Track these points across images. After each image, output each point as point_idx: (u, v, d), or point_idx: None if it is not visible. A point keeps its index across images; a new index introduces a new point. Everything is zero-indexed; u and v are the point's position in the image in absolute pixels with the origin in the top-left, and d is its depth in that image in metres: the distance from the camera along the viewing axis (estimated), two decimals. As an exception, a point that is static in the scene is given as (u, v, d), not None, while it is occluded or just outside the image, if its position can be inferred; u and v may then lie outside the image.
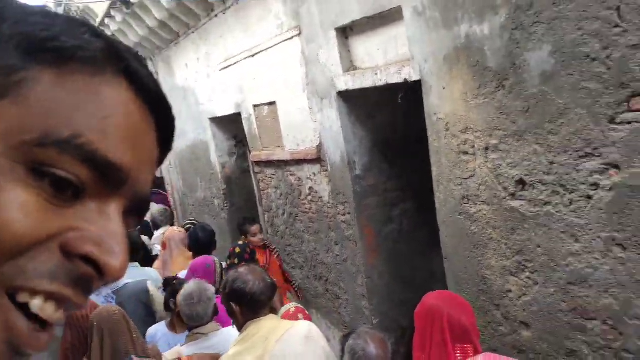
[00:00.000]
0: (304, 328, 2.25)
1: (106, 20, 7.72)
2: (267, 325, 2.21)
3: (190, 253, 4.13)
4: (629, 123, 1.93)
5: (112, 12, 7.30)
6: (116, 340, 2.76)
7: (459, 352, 1.95)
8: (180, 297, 2.74)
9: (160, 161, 0.49)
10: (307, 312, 3.10)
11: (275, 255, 4.82)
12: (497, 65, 2.42)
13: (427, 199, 3.48)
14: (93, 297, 3.37)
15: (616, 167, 2.00)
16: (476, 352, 1.97)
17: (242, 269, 2.31)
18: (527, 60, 2.26)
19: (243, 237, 4.61)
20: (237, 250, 3.94)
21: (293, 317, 2.80)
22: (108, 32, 8.00)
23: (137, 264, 4.06)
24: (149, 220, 6.20)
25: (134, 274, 3.56)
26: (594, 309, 2.18)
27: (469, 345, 1.97)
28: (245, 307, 2.25)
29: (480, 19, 2.45)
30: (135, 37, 7.49)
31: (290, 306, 3.12)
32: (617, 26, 1.90)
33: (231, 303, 2.25)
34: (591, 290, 2.18)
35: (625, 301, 2.05)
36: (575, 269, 2.23)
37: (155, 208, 6.09)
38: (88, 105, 0.40)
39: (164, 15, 6.18)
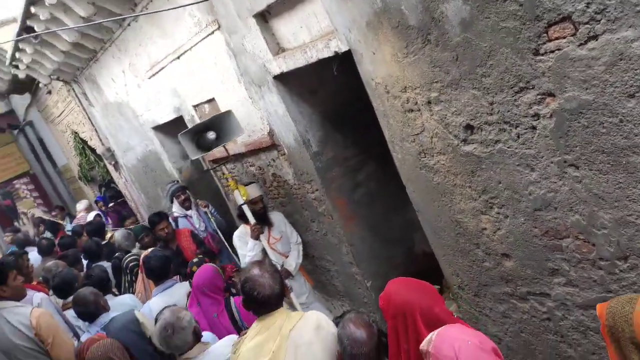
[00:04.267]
0: (314, 319, 2.38)
1: (17, 55, 7.39)
2: (279, 317, 2.35)
3: None
4: (552, 52, 2.01)
5: (21, 45, 6.98)
6: None
7: None
8: (155, 329, 2.69)
9: None
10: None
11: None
12: (417, 22, 2.45)
13: (387, 157, 3.56)
14: (84, 336, 3.40)
15: (551, 95, 2.09)
16: None
17: (255, 270, 2.34)
18: (444, 11, 2.30)
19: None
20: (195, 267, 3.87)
21: None
22: (22, 66, 7.68)
23: (110, 295, 4.07)
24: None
25: (112, 306, 3.58)
26: (564, 228, 2.32)
27: None
28: (255, 309, 2.39)
29: (390, -20, 2.47)
30: (51, 64, 7.20)
31: None
32: (519, -37, 1.95)
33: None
34: (557, 212, 2.31)
35: (590, 215, 2.18)
36: (538, 196, 2.35)
37: (118, 235, 5.68)
38: None
39: (75, 37, 5.95)
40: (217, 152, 5.25)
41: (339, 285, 4.58)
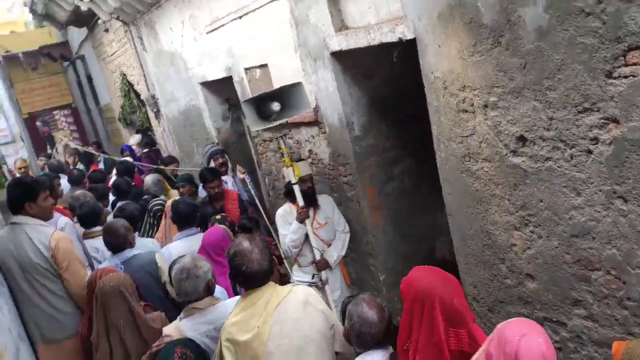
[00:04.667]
0: (302, 294, 2.38)
1: (83, -12, 7.51)
2: (266, 292, 2.33)
3: None
4: (626, 77, 1.93)
5: (89, -21, 7.08)
6: (108, 313, 2.88)
7: (452, 337, 1.90)
8: (172, 271, 2.72)
9: None
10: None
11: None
12: (491, 22, 2.39)
13: (427, 155, 3.51)
14: (101, 266, 3.47)
15: (615, 121, 2.02)
16: (471, 337, 1.89)
17: (245, 244, 2.33)
18: (522, 16, 2.23)
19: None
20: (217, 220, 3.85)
21: None
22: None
23: (135, 233, 4.13)
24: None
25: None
26: (598, 260, 2.25)
27: (463, 331, 1.90)
28: (242, 283, 2.39)
29: (472, -25, 2.40)
30: (115, 2, 7.28)
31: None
32: (612, -21, 1.87)
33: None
34: (594, 242, 2.24)
35: (627, 252, 2.11)
36: (578, 222, 2.28)
37: (148, 179, 5.81)
38: None
39: (144, -20, 6.00)
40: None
41: (352, 273, 4.56)
